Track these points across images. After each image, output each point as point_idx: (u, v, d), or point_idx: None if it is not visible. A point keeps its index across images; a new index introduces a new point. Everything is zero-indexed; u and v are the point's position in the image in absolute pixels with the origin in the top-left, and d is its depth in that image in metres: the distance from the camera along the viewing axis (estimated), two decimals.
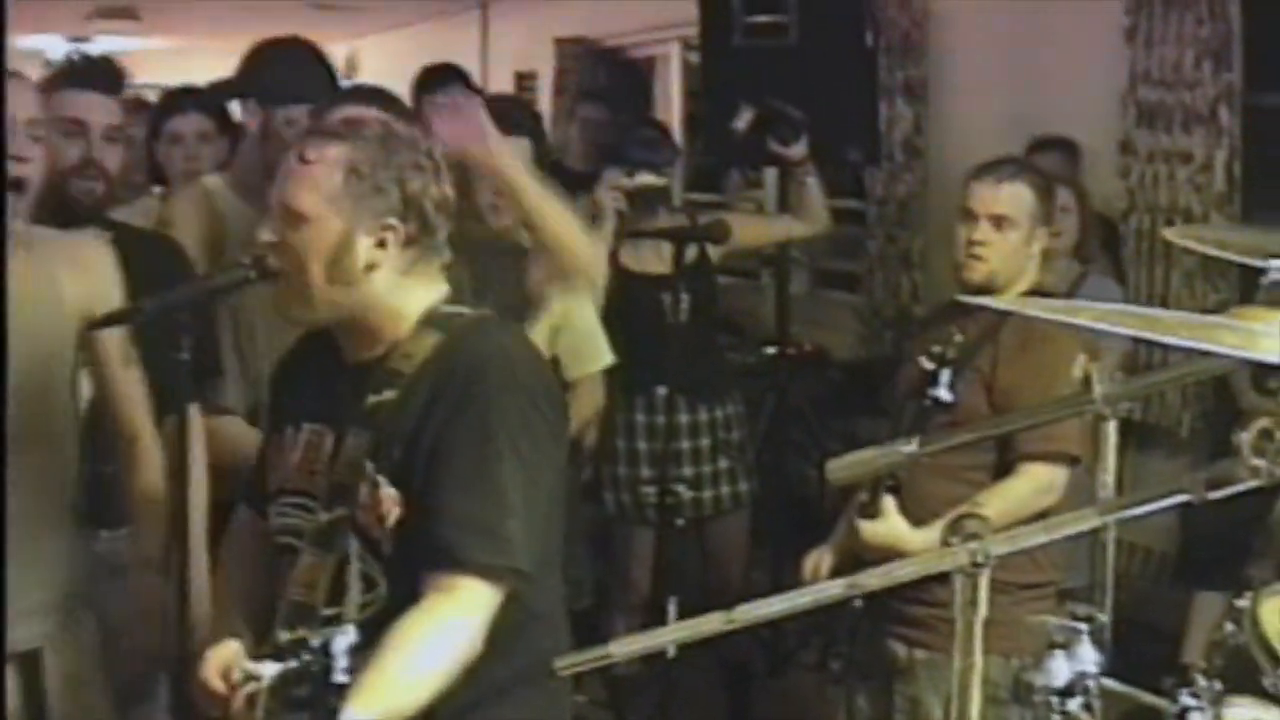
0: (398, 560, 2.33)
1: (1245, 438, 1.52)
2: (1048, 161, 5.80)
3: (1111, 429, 2.43)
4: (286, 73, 3.84)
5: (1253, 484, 1.57)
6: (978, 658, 1.69)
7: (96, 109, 3.39)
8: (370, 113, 2.66)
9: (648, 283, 4.69)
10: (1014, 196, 3.57)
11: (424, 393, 2.36)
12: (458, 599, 2.26)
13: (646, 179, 4.63)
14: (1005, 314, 3.48)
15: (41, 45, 11.77)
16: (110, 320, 2.76)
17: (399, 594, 2.32)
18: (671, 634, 1.89)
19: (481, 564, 2.27)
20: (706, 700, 5.18)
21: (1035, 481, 3.38)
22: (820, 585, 1.74)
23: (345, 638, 1.96)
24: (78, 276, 2.89)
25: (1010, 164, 3.72)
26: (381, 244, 2.40)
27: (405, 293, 2.45)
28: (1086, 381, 2.42)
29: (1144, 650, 2.55)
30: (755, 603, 1.71)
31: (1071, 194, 5.23)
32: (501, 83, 10.22)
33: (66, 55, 3.61)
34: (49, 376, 2.84)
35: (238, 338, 3.55)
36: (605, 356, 4.13)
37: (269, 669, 2.12)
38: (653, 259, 4.69)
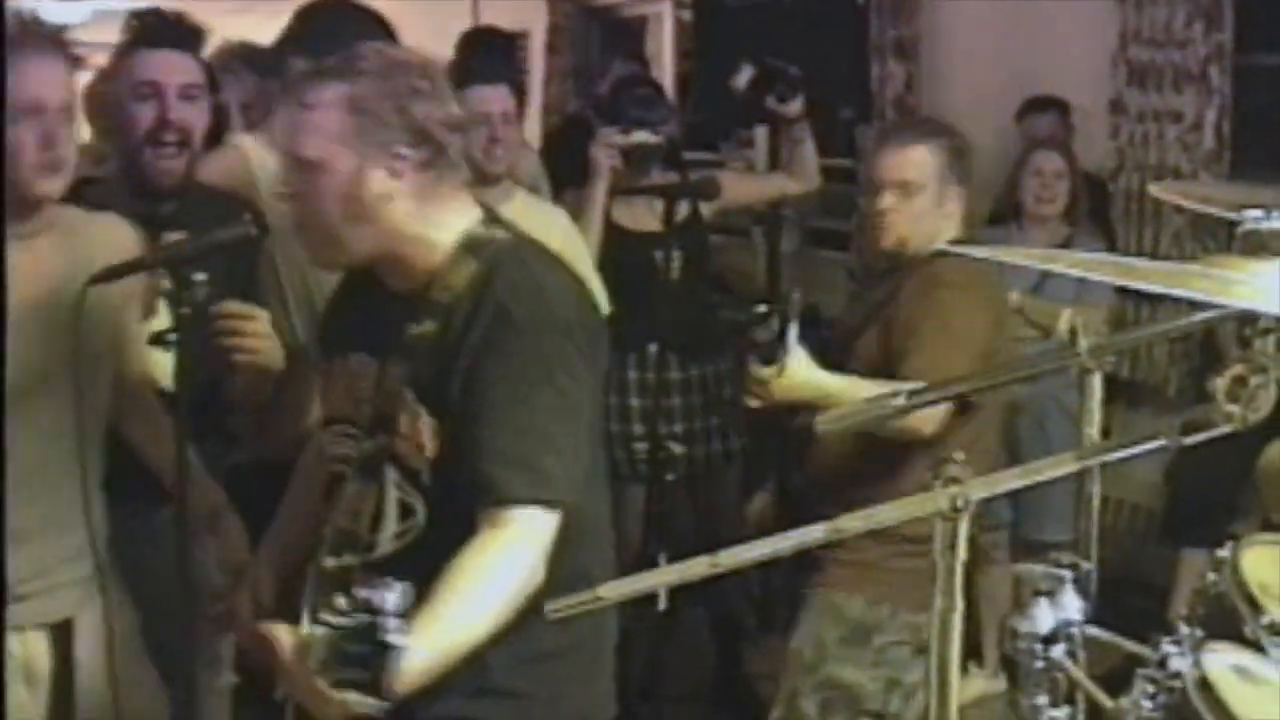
0: (436, 489, 2.35)
1: (1219, 384, 1.55)
2: (1043, 124, 5.85)
3: (1096, 382, 2.45)
4: (341, 27, 3.82)
5: (1226, 429, 1.60)
6: (958, 599, 1.72)
7: (169, 68, 3.34)
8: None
9: (640, 240, 4.70)
10: (915, 161, 3.52)
11: (460, 323, 2.36)
12: (510, 531, 2.26)
13: (642, 136, 4.65)
14: (916, 269, 3.48)
15: (34, 5, 11.70)
16: (111, 274, 2.75)
17: (437, 523, 2.35)
18: (659, 577, 1.92)
19: (524, 499, 2.27)
20: (699, 654, 5.22)
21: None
22: (802, 530, 1.77)
23: (394, 594, 1.96)
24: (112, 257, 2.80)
25: (911, 129, 3.68)
26: (394, 174, 2.39)
27: (431, 220, 2.44)
28: (1072, 335, 2.45)
29: (1133, 605, 2.59)
30: (739, 547, 1.74)
31: (1063, 159, 5.27)
32: None
33: (130, 15, 3.51)
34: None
35: (281, 278, 3.52)
36: (603, 307, 4.13)
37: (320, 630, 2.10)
38: (646, 216, 4.69)
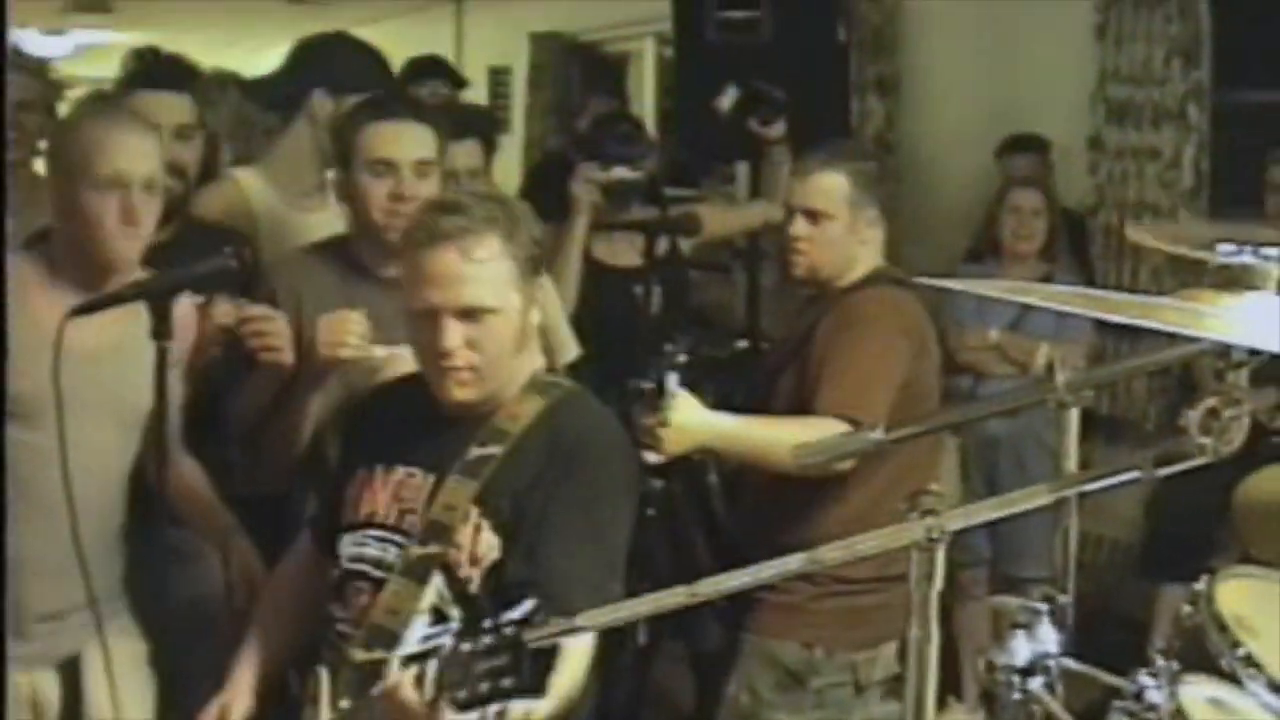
0: (483, 599, 2.44)
1: (1193, 416, 1.56)
2: (1022, 162, 5.87)
3: (1073, 417, 2.46)
4: (350, 62, 3.87)
5: (1200, 461, 1.61)
6: (934, 629, 1.72)
7: (166, 108, 3.41)
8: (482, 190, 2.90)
9: (620, 275, 4.70)
10: (825, 188, 3.47)
11: (534, 454, 2.53)
12: (573, 648, 2.31)
13: (622, 173, 4.65)
14: (834, 303, 3.45)
15: (14, 39, 11.72)
16: (89, 307, 2.76)
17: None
18: (637, 606, 1.92)
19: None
20: (679, 691, 5.21)
21: (820, 425, 3.16)
22: (781, 560, 1.77)
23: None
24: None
25: (822, 154, 3.58)
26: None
27: (521, 359, 2.61)
28: (1050, 369, 2.46)
29: (1112, 640, 2.59)
30: (717, 577, 1.75)
31: (1041, 196, 5.29)
32: (475, 78, 10.22)
33: (129, 55, 3.54)
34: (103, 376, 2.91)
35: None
36: (571, 350, 4.12)
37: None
38: (626, 252, 4.69)
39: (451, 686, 1.96)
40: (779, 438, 3.07)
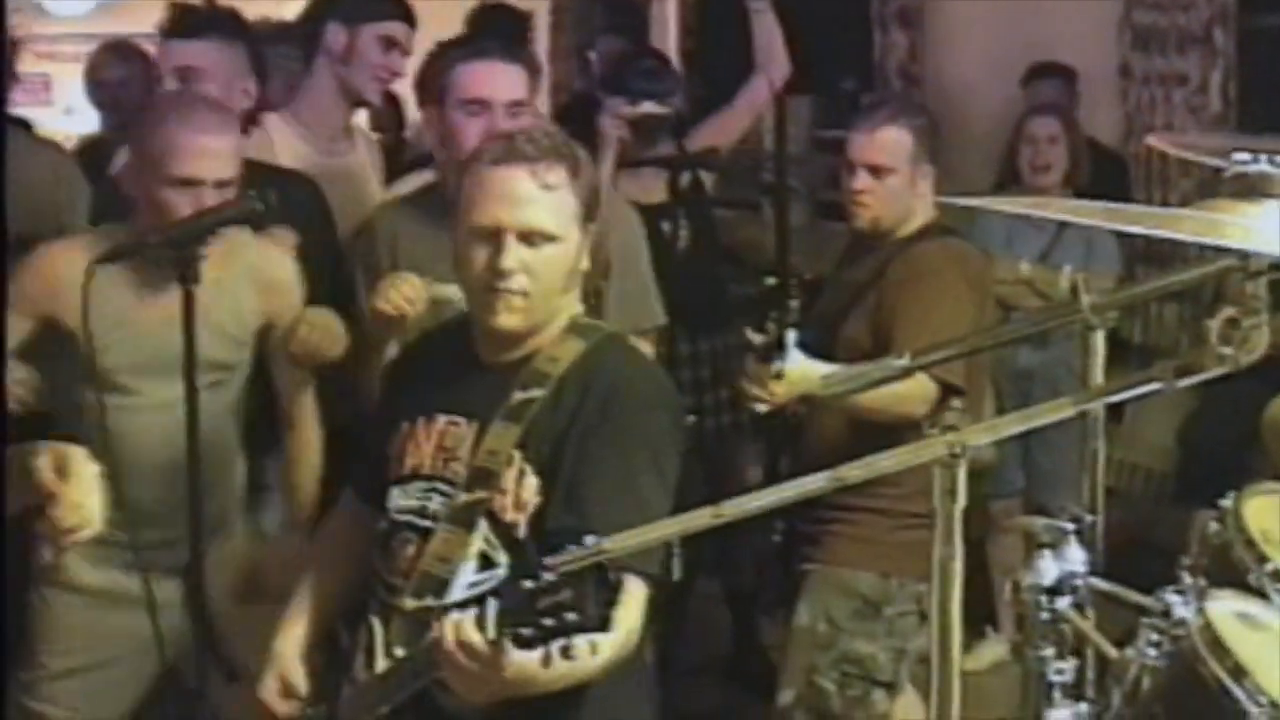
0: (530, 544, 2.43)
1: (1212, 326, 1.56)
2: (1047, 92, 5.82)
3: (1099, 339, 2.46)
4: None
5: (1220, 371, 1.61)
6: (958, 546, 1.73)
7: (172, 54, 3.52)
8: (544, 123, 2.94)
9: (647, 212, 4.69)
10: (889, 144, 3.61)
11: (572, 396, 2.51)
12: (624, 599, 2.30)
13: (650, 108, 4.63)
14: (898, 252, 3.56)
15: None
16: (114, 254, 2.81)
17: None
18: (664, 528, 1.94)
19: (630, 567, 2.32)
20: (713, 628, 5.24)
21: (913, 386, 3.31)
22: (804, 479, 1.78)
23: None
24: (262, 289, 3.20)
25: (884, 109, 3.75)
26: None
27: (564, 299, 2.60)
28: (1074, 292, 2.45)
29: (1148, 568, 2.60)
30: (742, 497, 1.76)
31: (1058, 123, 5.24)
32: None
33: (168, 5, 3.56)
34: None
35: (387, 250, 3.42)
36: (658, 317, 4.04)
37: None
38: (652, 188, 4.68)
39: (515, 625, 1.98)
40: (879, 392, 3.17)
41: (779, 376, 3.22)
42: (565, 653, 1.95)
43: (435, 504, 2.56)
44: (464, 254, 2.54)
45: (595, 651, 2.00)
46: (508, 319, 2.52)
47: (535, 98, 4.35)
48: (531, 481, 2.48)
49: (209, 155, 2.96)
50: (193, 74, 3.45)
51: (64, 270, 2.93)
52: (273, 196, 2.88)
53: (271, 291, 3.23)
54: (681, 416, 2.67)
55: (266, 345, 3.27)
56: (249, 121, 3.63)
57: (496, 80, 3.27)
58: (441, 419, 2.61)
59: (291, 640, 2.72)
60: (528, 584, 1.95)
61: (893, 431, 3.25)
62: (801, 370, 3.23)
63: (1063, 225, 5.03)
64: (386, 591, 2.58)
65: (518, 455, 2.49)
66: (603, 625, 1.95)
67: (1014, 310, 4.99)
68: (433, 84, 3.32)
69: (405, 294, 3.12)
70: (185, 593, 2.95)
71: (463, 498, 2.51)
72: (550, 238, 2.49)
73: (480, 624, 2.09)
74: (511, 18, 5.66)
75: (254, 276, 3.19)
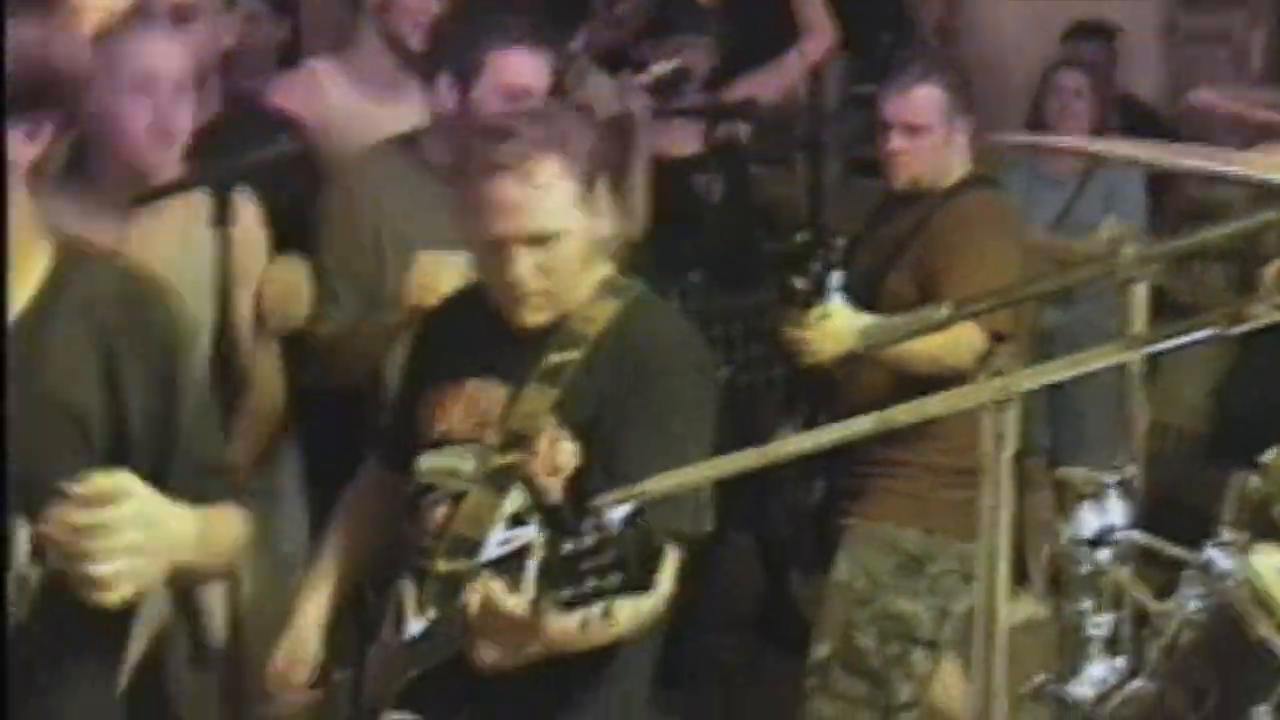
0: (565, 508, 2.42)
1: (1268, 273, 1.54)
2: (1087, 48, 5.76)
3: (1141, 292, 2.42)
4: None
5: (1275, 318, 1.58)
6: (1006, 495, 1.71)
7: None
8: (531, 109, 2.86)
9: (679, 165, 4.66)
10: (922, 102, 3.63)
11: (607, 358, 2.51)
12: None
13: (659, 69, 4.56)
14: (939, 206, 3.58)
15: None
16: (151, 196, 2.80)
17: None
18: (706, 470, 1.93)
19: (674, 530, 2.31)
20: (747, 581, 5.23)
21: (957, 332, 3.29)
22: (850, 420, 1.77)
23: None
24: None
25: (915, 67, 3.78)
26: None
27: (592, 266, 2.58)
28: (1114, 244, 2.43)
29: (1182, 527, 2.58)
30: (786, 439, 1.74)
31: (1085, 77, 5.18)
32: None
33: None
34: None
35: (358, 216, 3.36)
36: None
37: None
38: (684, 140, 4.65)
39: (555, 587, 1.95)
40: (926, 344, 3.19)
41: (825, 317, 3.19)
42: (607, 614, 1.93)
43: (468, 467, 2.55)
44: (478, 261, 2.59)
45: (637, 615, 1.98)
46: (534, 316, 2.54)
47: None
48: (566, 446, 2.47)
49: (158, 53, 2.86)
50: (184, 12, 3.39)
51: None
52: (308, 139, 2.86)
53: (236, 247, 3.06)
54: (714, 376, 2.67)
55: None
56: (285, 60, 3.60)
57: (537, 72, 3.24)
58: (470, 383, 2.60)
59: (312, 608, 2.71)
60: (569, 546, 1.94)
61: (938, 385, 3.23)
62: (852, 323, 3.24)
63: (1083, 182, 5.01)
64: (418, 554, 2.56)
65: (552, 420, 2.48)
66: (645, 586, 1.94)
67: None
68: (454, 54, 3.26)
69: (441, 278, 3.02)
70: None
71: (497, 460, 2.50)
72: (556, 234, 2.48)
73: (516, 587, 2.08)
74: None
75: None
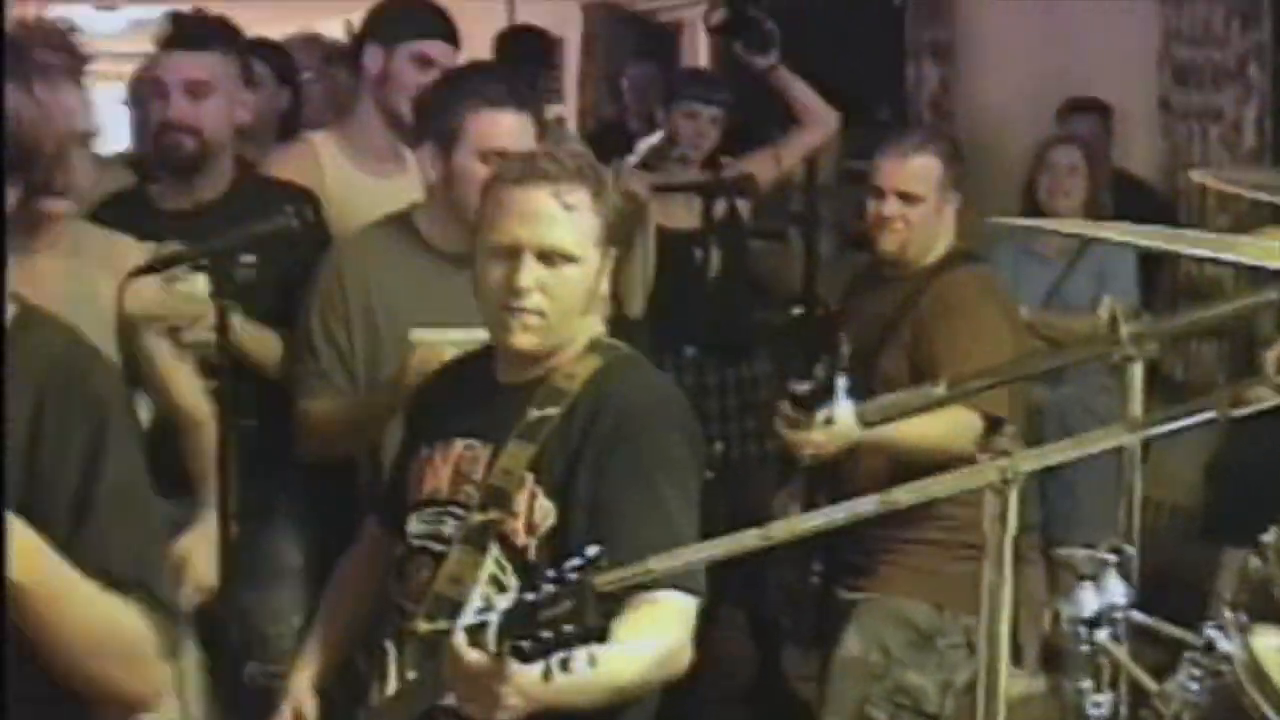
0: (541, 567, 2.39)
1: (1270, 356, 1.55)
2: (1081, 126, 5.80)
3: (1138, 371, 2.43)
4: (401, 11, 3.83)
5: (1275, 402, 1.59)
6: (1008, 573, 1.72)
7: (178, 67, 3.42)
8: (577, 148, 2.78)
9: (678, 238, 4.67)
10: (919, 171, 3.62)
11: (585, 414, 2.50)
12: (661, 608, 2.35)
13: (646, 144, 4.60)
14: (927, 282, 3.57)
15: (70, 14, 11.77)
16: (150, 268, 2.81)
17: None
18: (710, 549, 1.92)
19: (671, 584, 2.33)
20: (738, 656, 5.21)
21: (955, 418, 3.32)
22: (853, 501, 1.77)
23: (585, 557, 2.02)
24: (113, 279, 2.89)
25: (914, 136, 3.80)
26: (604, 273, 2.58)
27: (584, 321, 2.59)
28: (1113, 321, 2.44)
29: (1175, 604, 2.58)
30: (790, 519, 1.74)
31: (1080, 154, 5.21)
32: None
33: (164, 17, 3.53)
34: None
35: (346, 291, 3.29)
36: (636, 308, 4.07)
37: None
38: (683, 214, 4.66)
39: (514, 638, 1.97)
40: (926, 434, 3.22)
41: (829, 422, 3.19)
42: (564, 665, 1.94)
43: (449, 527, 2.55)
44: (482, 273, 2.55)
45: (593, 664, 1.98)
46: (523, 338, 2.52)
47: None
48: (544, 504, 2.46)
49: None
50: (200, 87, 3.42)
51: None
52: (310, 213, 2.87)
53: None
54: (699, 438, 2.64)
55: (133, 340, 3.05)
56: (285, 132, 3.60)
57: (515, 132, 3.19)
58: (459, 443, 2.60)
59: (307, 672, 2.73)
60: (528, 597, 1.96)
61: (940, 465, 3.24)
62: (850, 417, 3.22)
63: (1074, 260, 5.03)
64: (401, 616, 2.57)
65: (529, 477, 2.48)
66: (601, 636, 1.94)
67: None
68: (436, 122, 3.23)
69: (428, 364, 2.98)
70: None
71: (476, 517, 2.50)
72: (569, 258, 2.49)
73: (479, 641, 2.07)
74: (541, 44, 5.67)
75: (107, 265, 2.97)
